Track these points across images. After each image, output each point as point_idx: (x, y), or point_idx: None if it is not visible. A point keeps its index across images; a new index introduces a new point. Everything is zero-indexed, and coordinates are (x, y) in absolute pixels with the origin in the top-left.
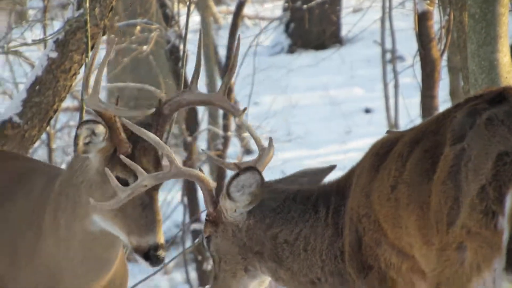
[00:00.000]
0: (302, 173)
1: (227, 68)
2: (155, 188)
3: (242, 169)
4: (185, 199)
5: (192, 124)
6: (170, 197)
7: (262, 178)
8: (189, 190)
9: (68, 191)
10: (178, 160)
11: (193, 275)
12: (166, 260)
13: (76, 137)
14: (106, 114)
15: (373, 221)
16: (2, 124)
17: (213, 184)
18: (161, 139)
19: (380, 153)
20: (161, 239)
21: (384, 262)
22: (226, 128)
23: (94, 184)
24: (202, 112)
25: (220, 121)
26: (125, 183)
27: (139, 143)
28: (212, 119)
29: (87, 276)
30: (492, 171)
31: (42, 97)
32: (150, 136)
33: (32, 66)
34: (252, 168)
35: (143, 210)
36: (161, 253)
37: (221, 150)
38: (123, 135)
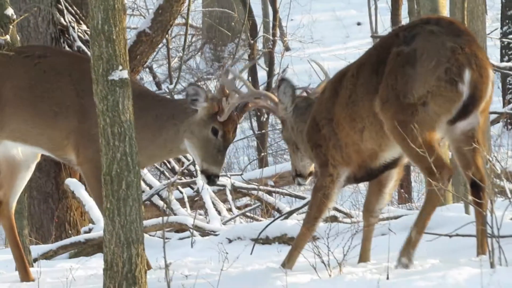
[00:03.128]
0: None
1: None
2: (228, 144)
3: (279, 81)
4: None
5: (252, 33)
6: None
7: (293, 85)
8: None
9: (177, 126)
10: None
11: None
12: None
13: (186, 93)
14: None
15: (331, 121)
16: (139, 34)
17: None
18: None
19: (337, 80)
20: (220, 173)
21: (330, 143)
22: (274, 35)
23: (196, 127)
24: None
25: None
26: (216, 132)
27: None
28: (266, 30)
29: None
30: (451, 60)
31: (163, 17)
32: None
33: None
34: (283, 79)
35: (218, 152)
36: (217, 180)
37: (271, 49)
38: (225, 109)
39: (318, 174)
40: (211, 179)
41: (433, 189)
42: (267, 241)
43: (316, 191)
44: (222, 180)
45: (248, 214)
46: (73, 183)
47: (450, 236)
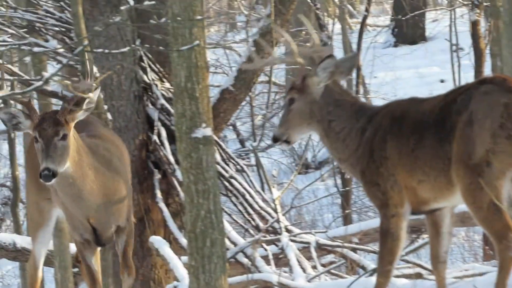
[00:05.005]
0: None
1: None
2: (47, 138)
3: (325, 56)
4: None
5: None
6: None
7: (336, 61)
8: None
9: None
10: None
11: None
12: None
13: (3, 121)
14: (22, 101)
15: (387, 160)
16: (222, 91)
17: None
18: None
19: (397, 119)
20: (44, 167)
21: (388, 183)
22: (357, 92)
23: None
24: None
25: None
26: (36, 139)
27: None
28: (349, 87)
29: None
30: (504, 114)
31: (246, 74)
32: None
33: (240, 55)
34: (331, 55)
35: (42, 152)
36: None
37: None
38: (34, 113)
39: (381, 216)
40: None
41: (504, 255)
42: None
43: (384, 236)
44: (306, 238)
45: (333, 271)
46: (157, 241)
47: None
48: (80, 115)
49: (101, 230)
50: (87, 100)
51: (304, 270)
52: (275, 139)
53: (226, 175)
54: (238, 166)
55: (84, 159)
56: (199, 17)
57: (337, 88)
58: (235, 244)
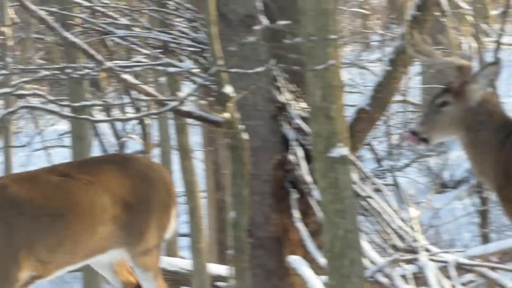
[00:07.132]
0: None
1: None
2: None
3: (489, 63)
4: None
5: None
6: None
7: (499, 71)
8: None
9: None
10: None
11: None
12: None
13: None
14: None
15: None
16: (358, 111)
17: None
18: None
19: None
20: None
21: None
22: None
23: None
24: None
25: None
26: None
27: None
28: None
29: None
30: None
31: (381, 94)
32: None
33: (375, 75)
34: (496, 63)
35: None
36: None
37: None
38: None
39: None
40: None
41: None
42: None
43: None
44: (445, 257)
45: None
46: (295, 260)
47: None
48: None
49: None
50: None
51: None
52: (414, 134)
53: (363, 194)
54: (375, 186)
55: None
56: (333, 37)
57: (494, 99)
58: (373, 263)
